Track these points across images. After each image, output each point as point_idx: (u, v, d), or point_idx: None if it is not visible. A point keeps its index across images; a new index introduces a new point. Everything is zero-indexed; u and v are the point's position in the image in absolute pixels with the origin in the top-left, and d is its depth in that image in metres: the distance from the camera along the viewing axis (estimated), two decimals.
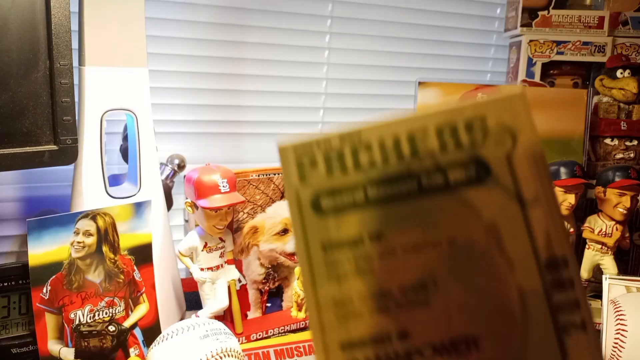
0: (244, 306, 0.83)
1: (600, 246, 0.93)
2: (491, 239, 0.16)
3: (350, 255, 0.16)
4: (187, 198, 0.76)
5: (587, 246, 0.94)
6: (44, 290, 0.63)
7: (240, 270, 0.82)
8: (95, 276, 0.66)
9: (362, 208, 0.17)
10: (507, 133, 0.16)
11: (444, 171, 0.16)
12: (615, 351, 0.69)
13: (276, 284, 0.86)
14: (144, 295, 0.71)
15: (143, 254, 0.71)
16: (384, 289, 0.16)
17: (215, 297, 0.78)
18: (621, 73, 1.03)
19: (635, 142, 1.03)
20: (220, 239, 0.78)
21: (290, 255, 0.85)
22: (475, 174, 0.16)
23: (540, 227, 0.16)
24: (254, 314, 0.84)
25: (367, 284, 0.16)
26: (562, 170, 0.91)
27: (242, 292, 0.83)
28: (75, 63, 0.67)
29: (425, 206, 0.16)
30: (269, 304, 0.86)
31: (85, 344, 0.65)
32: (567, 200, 0.91)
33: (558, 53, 1.09)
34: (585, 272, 0.94)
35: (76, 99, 0.68)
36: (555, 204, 0.16)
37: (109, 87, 0.71)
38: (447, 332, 0.16)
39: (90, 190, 0.71)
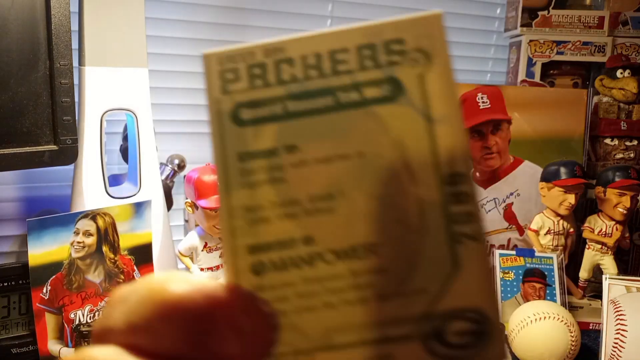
0: None
1: (600, 246, 0.93)
2: (397, 154, 0.17)
3: (265, 164, 0.17)
4: (187, 198, 0.76)
5: (587, 246, 0.94)
6: (44, 290, 0.63)
7: None
8: (95, 276, 0.66)
9: (280, 120, 0.17)
10: (422, 55, 0.17)
11: (360, 89, 0.17)
12: (615, 351, 0.69)
13: None
14: None
15: (143, 254, 0.71)
16: (294, 197, 0.17)
17: None
18: (621, 73, 1.03)
19: (635, 142, 1.03)
20: (221, 239, 0.78)
21: None
22: (389, 93, 0.17)
23: (444, 144, 0.17)
24: None
25: (278, 192, 0.17)
26: (562, 170, 0.91)
27: None
28: (75, 63, 0.67)
29: (339, 121, 0.17)
30: None
31: (86, 344, 0.65)
32: (567, 200, 0.91)
33: (558, 53, 1.09)
34: (585, 272, 0.94)
35: (76, 99, 0.68)
36: (460, 124, 0.17)
37: (109, 87, 0.71)
38: (349, 239, 0.17)
39: (90, 190, 0.71)
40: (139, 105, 0.73)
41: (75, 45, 0.66)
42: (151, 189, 0.75)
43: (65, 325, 0.64)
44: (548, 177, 0.93)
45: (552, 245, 0.92)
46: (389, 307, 0.16)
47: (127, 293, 0.16)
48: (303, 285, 0.17)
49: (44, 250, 0.63)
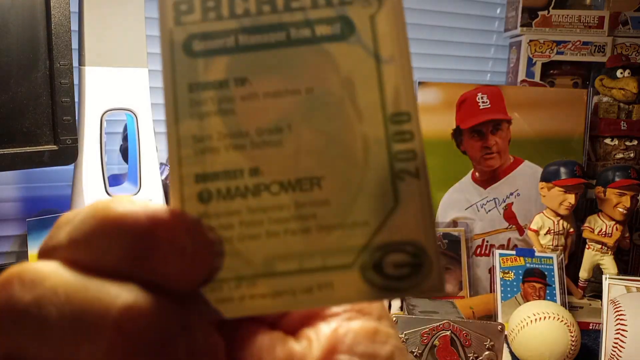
0: None
1: (600, 246, 0.93)
2: (345, 91, 0.17)
3: (215, 96, 0.17)
4: None
5: (587, 246, 0.94)
6: None
7: None
8: None
9: (231, 53, 0.18)
10: None
11: (312, 26, 0.18)
12: (615, 351, 0.69)
13: None
14: None
15: None
16: (242, 129, 0.17)
17: None
18: (621, 73, 1.03)
19: (635, 142, 1.03)
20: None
21: None
22: (340, 31, 0.18)
23: (391, 83, 0.17)
24: None
25: (227, 124, 0.17)
26: (562, 170, 0.91)
27: None
28: (75, 63, 0.67)
29: (290, 56, 0.18)
30: None
31: None
32: (567, 200, 0.91)
33: (558, 53, 1.09)
34: (585, 272, 0.94)
35: (76, 99, 0.68)
36: (408, 64, 0.18)
37: (109, 87, 0.71)
38: (295, 172, 0.17)
39: (90, 190, 0.71)
40: (139, 105, 0.73)
41: (75, 45, 0.66)
42: (151, 189, 0.75)
43: None
44: (548, 177, 0.93)
45: (552, 245, 0.92)
46: (330, 238, 0.17)
47: (73, 215, 0.16)
48: (248, 214, 0.17)
49: None
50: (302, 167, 0.17)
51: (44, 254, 0.16)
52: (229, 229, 0.17)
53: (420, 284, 0.17)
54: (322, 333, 0.18)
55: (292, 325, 0.19)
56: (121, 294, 0.14)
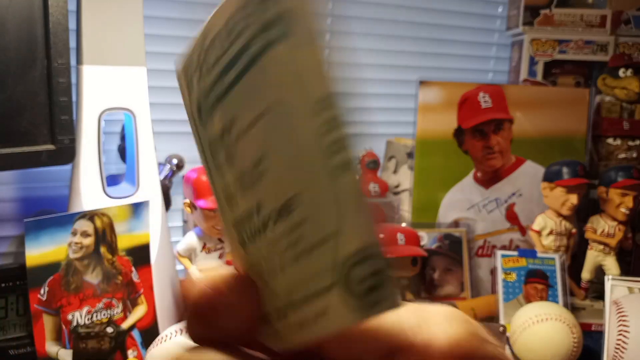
0: None
1: (602, 247, 0.92)
2: (285, 98, 0.16)
3: (222, 145, 0.18)
4: (185, 198, 0.76)
5: (589, 247, 0.93)
6: (42, 292, 0.63)
7: None
8: (93, 277, 0.66)
9: (221, 100, 0.18)
10: None
11: (249, 46, 0.17)
12: (617, 352, 0.69)
13: None
14: (142, 296, 0.70)
15: (141, 255, 0.70)
16: (242, 169, 0.17)
17: None
18: (623, 72, 1.03)
19: (637, 142, 1.03)
20: (219, 239, 0.77)
21: None
22: (274, 36, 0.16)
23: (308, 71, 0.16)
24: None
25: (233, 168, 0.18)
26: (565, 170, 0.91)
27: None
28: (73, 62, 0.67)
29: (247, 83, 0.17)
30: None
31: (83, 345, 0.65)
32: (569, 201, 0.90)
33: (560, 52, 1.08)
34: (587, 273, 0.93)
35: (74, 99, 0.68)
36: (318, 43, 0.16)
37: (107, 86, 0.70)
38: (280, 197, 0.16)
39: (88, 190, 0.70)
40: (138, 104, 0.73)
41: (73, 44, 0.66)
42: (149, 189, 0.75)
43: (63, 326, 0.64)
44: (550, 177, 0.92)
45: (555, 246, 0.91)
46: (312, 260, 0.16)
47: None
48: (265, 250, 0.17)
49: (42, 251, 0.63)
50: (282, 191, 0.16)
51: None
52: (259, 265, 0.18)
53: (388, 294, 0.14)
54: None
55: None
56: None
